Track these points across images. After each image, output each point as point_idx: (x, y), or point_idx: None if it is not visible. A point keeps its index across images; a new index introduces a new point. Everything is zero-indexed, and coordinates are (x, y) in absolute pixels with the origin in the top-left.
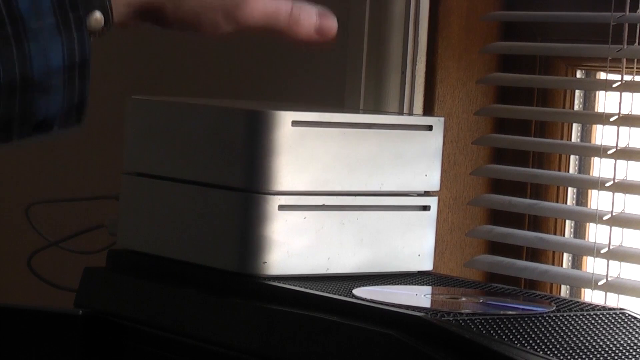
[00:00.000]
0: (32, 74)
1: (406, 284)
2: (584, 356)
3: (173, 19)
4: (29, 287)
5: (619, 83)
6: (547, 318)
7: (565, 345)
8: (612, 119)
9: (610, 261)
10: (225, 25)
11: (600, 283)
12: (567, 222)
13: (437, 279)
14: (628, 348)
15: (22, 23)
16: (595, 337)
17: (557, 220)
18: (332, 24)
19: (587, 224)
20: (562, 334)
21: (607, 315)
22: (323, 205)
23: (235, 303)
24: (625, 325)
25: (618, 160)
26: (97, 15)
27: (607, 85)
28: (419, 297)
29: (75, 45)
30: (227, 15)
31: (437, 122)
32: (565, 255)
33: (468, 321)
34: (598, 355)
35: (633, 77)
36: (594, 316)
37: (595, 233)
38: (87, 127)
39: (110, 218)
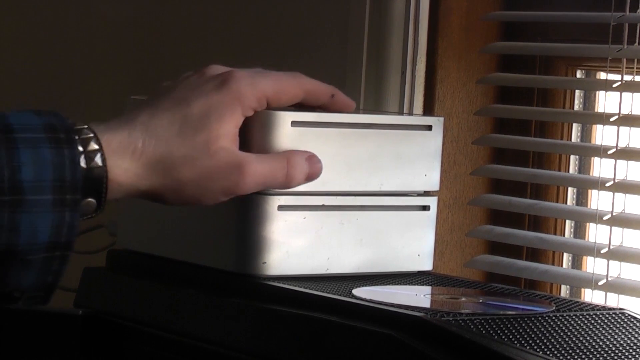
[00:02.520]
0: (17, 245)
1: (406, 284)
2: (583, 356)
3: (173, 204)
4: None
5: (619, 83)
6: (547, 318)
7: (565, 345)
8: (612, 119)
9: (610, 261)
10: (224, 198)
11: (600, 283)
12: (567, 222)
13: (437, 279)
14: (628, 348)
15: (21, 194)
16: (595, 337)
17: (557, 220)
18: (319, 167)
19: (587, 224)
20: (562, 334)
21: (607, 315)
22: (323, 205)
23: (235, 303)
24: (625, 325)
25: (618, 160)
26: (91, 200)
27: (607, 85)
28: (419, 297)
29: (65, 226)
30: (227, 193)
31: (437, 122)
32: (565, 255)
33: (468, 321)
34: (598, 355)
35: (633, 77)
36: (594, 316)
37: (596, 233)
38: None
39: (110, 218)
